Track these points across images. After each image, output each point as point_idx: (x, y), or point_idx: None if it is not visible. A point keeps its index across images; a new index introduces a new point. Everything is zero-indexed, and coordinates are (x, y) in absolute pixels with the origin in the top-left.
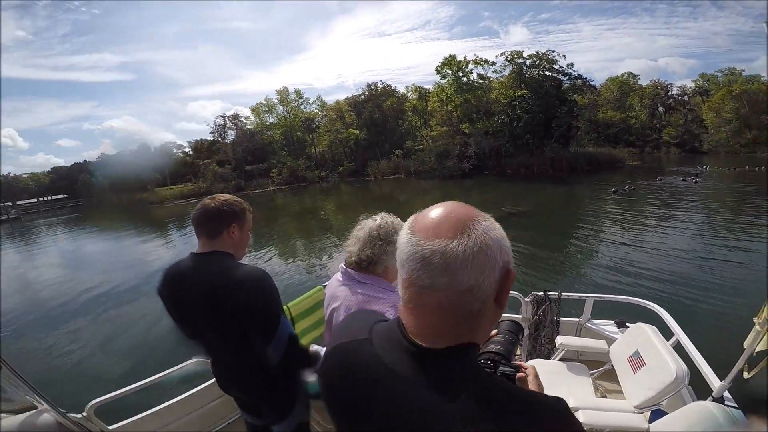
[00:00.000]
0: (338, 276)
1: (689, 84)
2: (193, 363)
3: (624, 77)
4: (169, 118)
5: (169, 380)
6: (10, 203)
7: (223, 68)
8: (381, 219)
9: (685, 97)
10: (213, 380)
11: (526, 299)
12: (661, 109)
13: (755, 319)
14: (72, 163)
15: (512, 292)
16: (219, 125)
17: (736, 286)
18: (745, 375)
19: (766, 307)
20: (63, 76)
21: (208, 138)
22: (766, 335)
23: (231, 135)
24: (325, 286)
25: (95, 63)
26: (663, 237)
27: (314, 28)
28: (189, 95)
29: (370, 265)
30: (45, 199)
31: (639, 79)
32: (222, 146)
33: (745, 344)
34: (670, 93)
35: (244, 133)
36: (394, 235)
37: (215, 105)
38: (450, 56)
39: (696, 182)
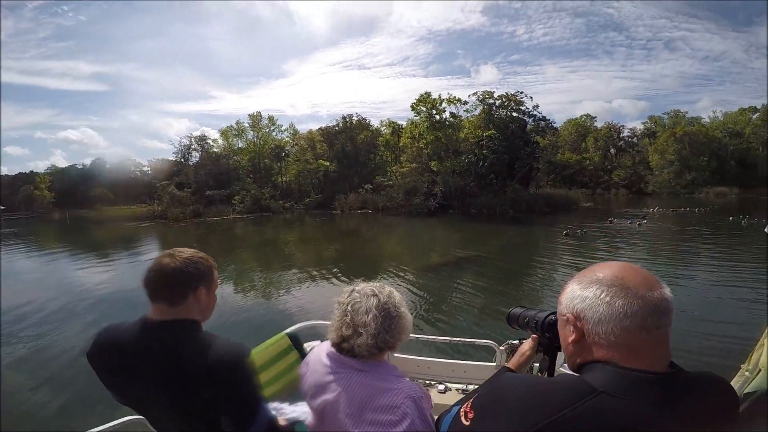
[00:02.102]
0: (323, 359)
1: (639, 126)
2: (130, 422)
3: (582, 119)
4: (133, 133)
5: None
6: None
7: (196, 87)
8: (379, 293)
9: (635, 139)
10: None
11: (501, 348)
12: (612, 150)
13: (743, 366)
14: (16, 173)
15: (486, 341)
16: (184, 146)
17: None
18: None
19: (753, 354)
20: (29, 80)
21: (171, 158)
22: (753, 380)
23: (195, 157)
24: (288, 335)
25: (67, 70)
26: None
27: (295, 56)
28: (156, 110)
29: (384, 351)
30: None
31: (596, 120)
32: (184, 168)
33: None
34: (621, 135)
35: (209, 156)
36: (401, 307)
37: (182, 123)
38: (425, 93)
39: (639, 225)
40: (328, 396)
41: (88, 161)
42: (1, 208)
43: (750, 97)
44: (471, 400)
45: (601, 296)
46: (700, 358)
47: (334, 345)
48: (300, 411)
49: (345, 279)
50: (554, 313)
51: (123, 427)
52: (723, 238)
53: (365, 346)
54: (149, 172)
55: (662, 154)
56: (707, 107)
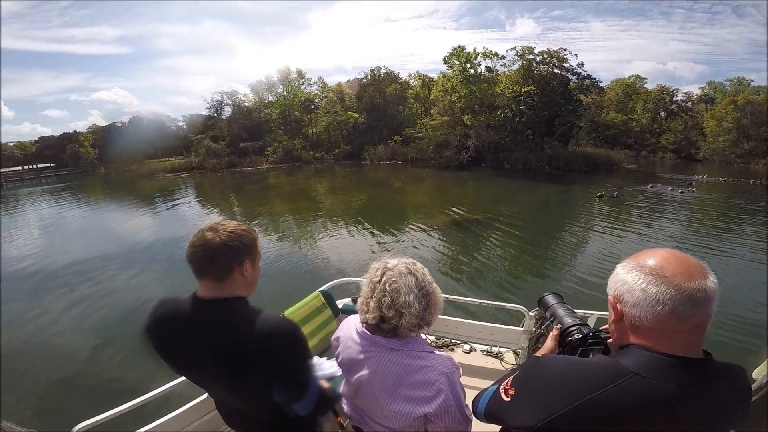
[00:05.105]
0: (354, 337)
1: (695, 90)
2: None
3: (631, 80)
4: (162, 92)
5: None
6: None
7: (222, 44)
8: (415, 271)
9: (689, 104)
10: (206, 396)
11: (530, 313)
12: (663, 113)
13: None
14: (61, 133)
15: (516, 306)
16: (216, 101)
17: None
18: None
19: None
20: (58, 48)
21: (204, 113)
22: None
23: (227, 111)
24: (321, 293)
25: (92, 36)
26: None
27: (318, 8)
28: (185, 69)
29: (422, 328)
30: (30, 167)
31: (646, 82)
32: (217, 122)
33: (755, 375)
34: (674, 98)
35: (241, 110)
36: (433, 283)
37: (210, 80)
38: (459, 47)
39: (682, 193)
40: (363, 373)
41: (125, 119)
42: (51, 165)
43: None
44: (511, 378)
45: (638, 282)
46: (728, 345)
47: (370, 325)
48: (336, 366)
49: (372, 231)
50: (580, 325)
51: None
52: None
53: (409, 326)
54: (184, 126)
55: (719, 121)
56: None
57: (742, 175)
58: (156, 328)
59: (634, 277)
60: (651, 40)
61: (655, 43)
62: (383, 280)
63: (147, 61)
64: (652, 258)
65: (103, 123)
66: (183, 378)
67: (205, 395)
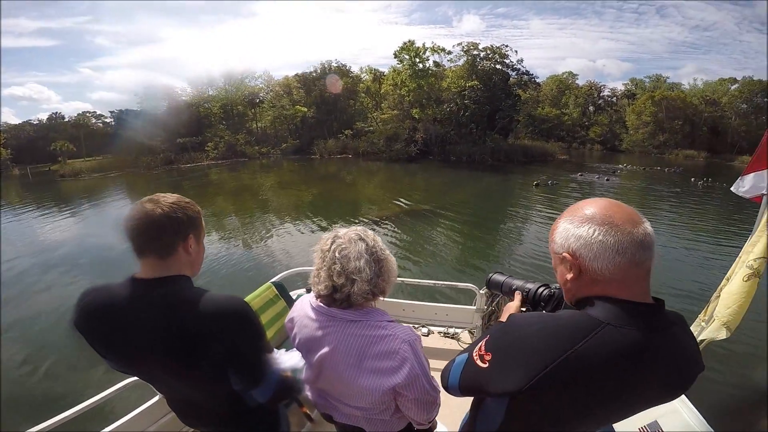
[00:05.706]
0: (310, 314)
1: (620, 86)
2: (133, 383)
3: (564, 76)
4: (88, 87)
5: None
6: None
7: (156, 35)
8: (365, 236)
9: (614, 99)
10: (159, 397)
11: (481, 291)
12: (591, 108)
13: (700, 316)
14: None
15: (468, 285)
16: (149, 96)
17: None
18: None
19: (709, 306)
20: None
21: (135, 108)
22: (707, 329)
23: (163, 106)
24: (273, 284)
25: (7, 28)
26: None
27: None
28: (113, 63)
29: (377, 296)
30: None
31: (578, 78)
32: (151, 117)
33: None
34: (601, 94)
35: (177, 104)
36: (385, 250)
37: (142, 74)
38: (409, 41)
39: (608, 180)
40: (323, 351)
41: (43, 116)
42: None
43: (733, 68)
44: (483, 343)
45: (594, 234)
46: None
47: (323, 297)
48: (297, 357)
49: (324, 224)
50: (545, 285)
51: (124, 390)
52: (684, 197)
53: (361, 293)
54: (113, 123)
55: (639, 115)
56: (689, 74)
57: (658, 164)
58: (87, 319)
59: (588, 230)
60: (584, 39)
61: (587, 42)
62: (333, 247)
63: (72, 55)
64: (594, 207)
65: (16, 120)
66: (132, 378)
67: (159, 395)
